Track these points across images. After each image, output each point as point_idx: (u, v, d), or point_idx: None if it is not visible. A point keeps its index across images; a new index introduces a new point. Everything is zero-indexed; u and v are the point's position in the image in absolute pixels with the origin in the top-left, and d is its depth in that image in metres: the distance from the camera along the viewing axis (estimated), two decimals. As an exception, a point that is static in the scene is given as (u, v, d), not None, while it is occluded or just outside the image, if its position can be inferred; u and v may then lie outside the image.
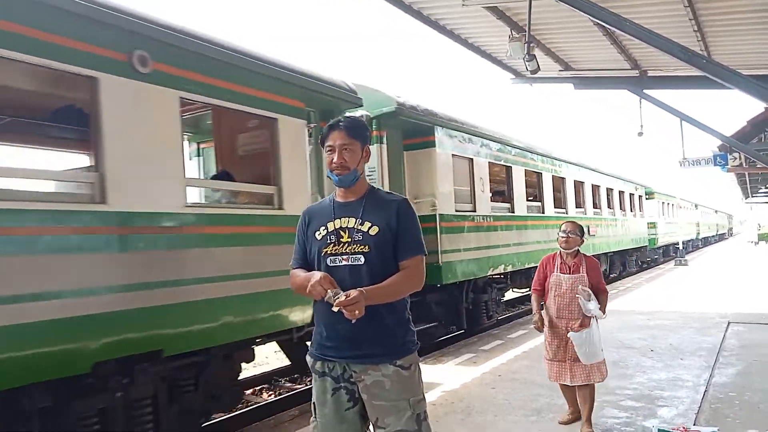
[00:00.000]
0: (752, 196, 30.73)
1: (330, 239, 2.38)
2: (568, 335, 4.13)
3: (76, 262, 3.45)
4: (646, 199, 21.56)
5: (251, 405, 6.24)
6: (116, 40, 3.77)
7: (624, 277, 17.95)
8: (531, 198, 11.09)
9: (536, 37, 7.41)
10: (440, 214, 7.92)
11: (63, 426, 3.60)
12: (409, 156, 8.04)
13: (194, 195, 5.23)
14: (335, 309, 2.16)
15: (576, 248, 4.33)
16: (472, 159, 8.97)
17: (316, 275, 2.26)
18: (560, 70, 9.04)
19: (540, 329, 4.36)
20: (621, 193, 17.77)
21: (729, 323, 8.59)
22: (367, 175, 4.51)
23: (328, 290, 2.19)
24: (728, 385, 5.39)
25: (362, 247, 2.33)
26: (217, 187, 5.32)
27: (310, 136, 5.27)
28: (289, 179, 5.01)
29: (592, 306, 4.07)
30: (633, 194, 19.37)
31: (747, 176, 17.84)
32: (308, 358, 2.47)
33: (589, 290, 4.15)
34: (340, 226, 2.38)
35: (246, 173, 5.34)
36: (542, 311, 4.38)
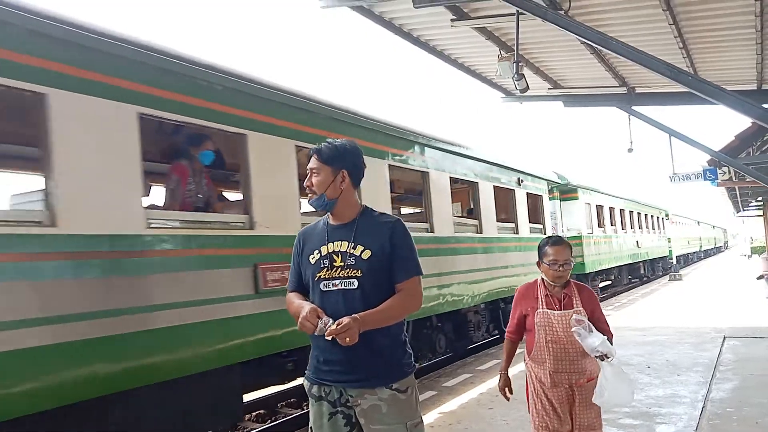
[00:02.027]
0: (743, 210, 30.91)
1: (323, 263, 2.36)
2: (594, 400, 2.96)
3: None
4: (665, 218, 27.05)
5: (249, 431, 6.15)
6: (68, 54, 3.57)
7: (633, 287, 19.69)
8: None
9: (525, 57, 7.50)
10: (583, 236, 14.64)
11: None
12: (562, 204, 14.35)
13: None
14: (328, 338, 2.15)
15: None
16: (605, 206, 17.06)
17: (305, 309, 2.25)
18: (549, 89, 9.14)
19: (506, 396, 3.34)
20: (652, 216, 24.32)
21: (725, 338, 8.58)
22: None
23: (318, 323, 2.18)
24: (726, 401, 5.37)
25: (355, 271, 2.31)
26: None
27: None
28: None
29: (597, 340, 2.84)
30: (658, 216, 25.46)
31: (737, 190, 17.97)
32: (305, 382, 2.44)
33: (585, 319, 2.98)
34: (333, 250, 2.36)
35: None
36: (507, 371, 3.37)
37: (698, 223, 43.86)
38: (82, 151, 3.60)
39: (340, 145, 2.46)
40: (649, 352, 7.82)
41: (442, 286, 7.28)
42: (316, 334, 2.18)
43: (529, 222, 10.20)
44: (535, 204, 10.86)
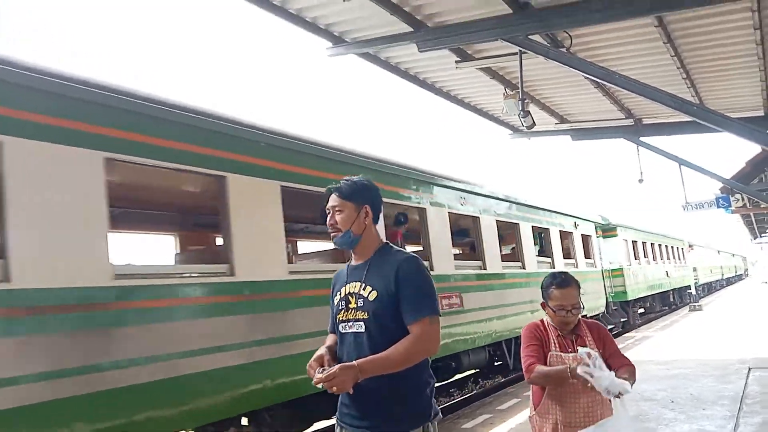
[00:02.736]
0: (761, 236, 30.51)
1: (341, 305, 2.36)
2: None
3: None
4: (689, 248, 28.68)
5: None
6: None
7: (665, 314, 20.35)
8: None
9: (530, 94, 7.60)
10: (624, 268, 16.42)
11: None
12: (604, 241, 15.46)
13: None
14: (318, 386, 2.10)
15: None
16: (638, 241, 18.65)
17: (315, 355, 2.28)
18: (556, 123, 9.23)
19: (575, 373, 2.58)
20: (676, 248, 25.60)
21: (749, 369, 8.36)
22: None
23: (318, 370, 2.15)
24: (755, 436, 5.20)
25: (363, 314, 2.27)
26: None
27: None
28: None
29: (606, 377, 2.43)
30: (681, 248, 26.78)
31: (753, 216, 17.80)
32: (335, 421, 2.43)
33: (593, 351, 2.58)
34: (349, 291, 2.34)
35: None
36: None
37: (719, 252, 45.26)
38: None
39: (359, 181, 2.42)
40: (672, 386, 7.63)
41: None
42: (314, 383, 2.13)
43: (585, 258, 12.93)
44: (587, 242, 13.56)
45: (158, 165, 4.30)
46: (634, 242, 18.37)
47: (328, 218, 2.38)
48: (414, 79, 7.16)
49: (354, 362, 2.12)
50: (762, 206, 12.17)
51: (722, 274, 46.83)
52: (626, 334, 15.91)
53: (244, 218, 4.72)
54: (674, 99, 5.26)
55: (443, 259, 7.53)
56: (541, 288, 2.91)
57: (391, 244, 2.44)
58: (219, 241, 6.23)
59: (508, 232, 9.87)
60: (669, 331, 15.26)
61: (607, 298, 14.60)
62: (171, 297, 4.13)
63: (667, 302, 23.35)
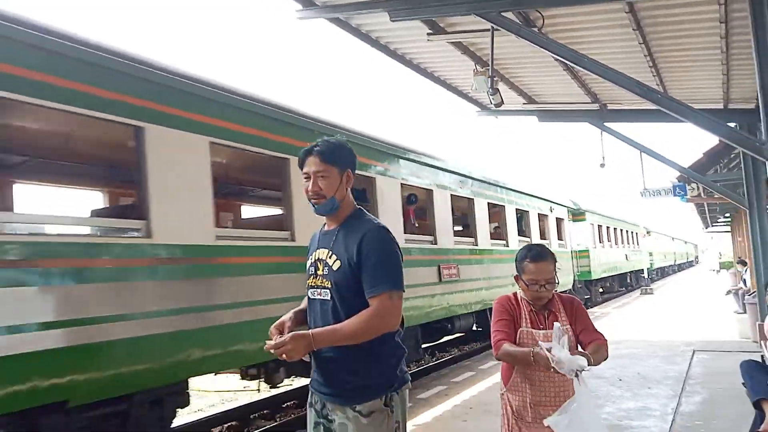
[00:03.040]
0: (712, 226, 31.63)
1: (311, 270, 2.32)
2: (545, 422, 2.46)
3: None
4: (647, 234, 31.02)
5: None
6: None
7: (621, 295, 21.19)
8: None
9: (500, 72, 7.59)
10: (590, 249, 17.98)
11: None
12: (574, 225, 16.73)
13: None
14: (265, 349, 2.12)
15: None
16: (603, 226, 20.31)
17: (279, 319, 2.27)
18: (524, 103, 9.27)
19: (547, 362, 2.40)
20: (634, 233, 27.28)
21: (694, 351, 8.72)
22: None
23: (276, 336, 2.16)
24: (695, 414, 5.44)
25: (328, 282, 2.23)
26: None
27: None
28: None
29: (563, 356, 2.34)
30: (638, 232, 28.45)
31: (706, 206, 18.39)
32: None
33: (566, 333, 2.55)
34: (318, 258, 2.30)
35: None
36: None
37: (672, 239, 48.43)
38: None
39: (340, 142, 2.31)
40: (621, 365, 7.90)
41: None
42: (264, 348, 2.14)
43: (557, 239, 14.47)
44: (560, 225, 15.03)
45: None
46: (599, 226, 20.06)
47: (309, 184, 2.24)
48: (384, 48, 7.06)
49: (309, 332, 2.11)
50: (715, 196, 12.56)
51: (675, 260, 49.76)
52: (588, 311, 16.79)
53: (165, 174, 4.43)
54: (640, 86, 5.33)
55: (445, 235, 8.62)
56: (515, 260, 2.78)
57: (363, 210, 2.34)
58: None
59: (494, 212, 10.98)
60: (621, 313, 15.77)
61: (574, 277, 16.10)
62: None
63: (625, 283, 25.13)
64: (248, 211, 9.34)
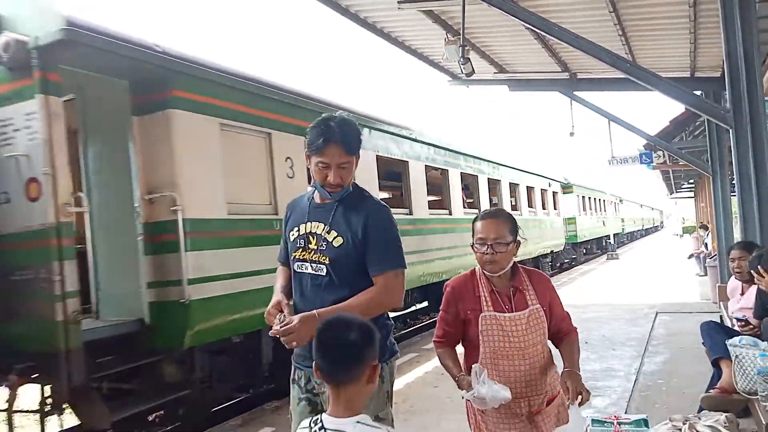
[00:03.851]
0: (676, 192, 32.42)
1: (299, 243, 2.27)
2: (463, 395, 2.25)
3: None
4: (620, 202, 34.66)
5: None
6: None
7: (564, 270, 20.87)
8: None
9: (471, 41, 7.56)
10: (577, 217, 20.91)
11: None
12: (564, 196, 19.96)
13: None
14: (271, 334, 2.06)
15: (510, 264, 2.37)
16: (586, 197, 23.71)
17: (273, 300, 2.21)
18: (495, 73, 9.26)
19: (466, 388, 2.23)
20: (611, 202, 31.23)
21: (657, 313, 9.04)
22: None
23: (277, 318, 2.09)
24: (656, 373, 5.68)
25: (324, 258, 2.21)
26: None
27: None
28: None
29: (485, 390, 2.12)
30: (615, 201, 32.26)
31: (671, 173, 18.80)
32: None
33: (483, 372, 2.16)
34: (310, 231, 2.25)
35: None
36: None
37: (641, 206, 52.58)
38: None
39: (355, 127, 2.24)
40: (587, 328, 8.16)
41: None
42: (273, 329, 2.08)
43: (553, 209, 17.82)
44: (555, 198, 18.26)
45: None
46: (583, 197, 23.32)
47: (330, 175, 2.16)
48: (354, 17, 6.95)
49: (315, 312, 2.04)
50: (680, 163, 12.85)
51: (643, 225, 54.27)
52: (570, 269, 20.23)
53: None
54: (609, 54, 5.37)
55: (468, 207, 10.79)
56: (472, 222, 2.44)
57: (360, 187, 2.32)
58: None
59: (512, 189, 13.84)
60: (587, 278, 16.20)
61: (565, 239, 19.48)
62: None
63: (602, 246, 28.37)
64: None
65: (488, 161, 12.12)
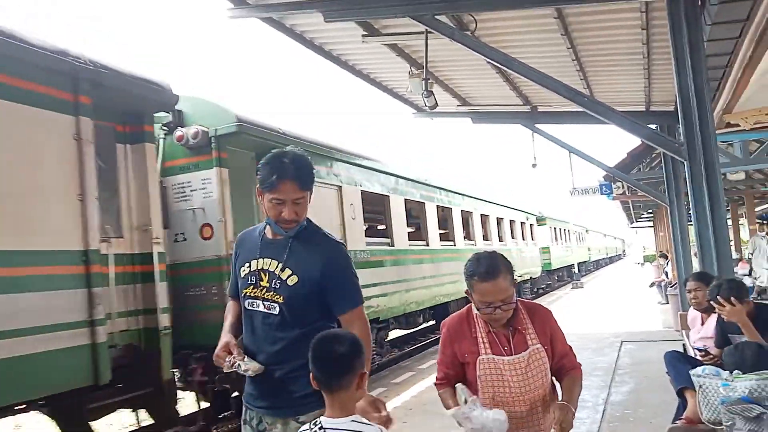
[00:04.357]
0: (636, 221, 33.30)
1: (250, 280, 2.21)
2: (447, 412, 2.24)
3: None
4: (586, 232, 38.83)
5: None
6: None
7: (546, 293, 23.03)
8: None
9: (434, 74, 7.68)
10: (550, 246, 24.19)
11: None
12: (539, 228, 23.09)
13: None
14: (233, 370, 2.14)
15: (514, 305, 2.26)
16: (557, 228, 27.19)
17: (220, 341, 2.17)
18: (458, 105, 9.41)
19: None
20: (578, 232, 34.79)
21: (622, 342, 9.13)
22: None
23: (227, 360, 2.10)
24: (623, 403, 5.68)
25: (278, 296, 2.14)
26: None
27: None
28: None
29: (476, 414, 2.08)
30: (581, 232, 36.00)
31: (630, 203, 19.30)
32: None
33: (475, 399, 2.15)
34: (261, 267, 2.19)
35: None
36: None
37: (605, 235, 56.35)
38: None
39: (306, 161, 2.20)
40: (554, 358, 8.17)
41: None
42: (225, 370, 2.11)
43: (531, 239, 20.77)
44: (532, 229, 21.16)
45: None
46: (555, 228, 26.08)
47: (284, 210, 2.13)
48: (319, 49, 6.99)
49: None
50: (639, 194, 13.19)
51: (607, 254, 58.69)
52: (546, 294, 22.15)
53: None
54: (567, 89, 5.50)
55: (468, 239, 13.53)
56: (464, 272, 2.27)
57: (312, 222, 2.28)
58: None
59: (499, 223, 16.40)
60: (553, 307, 16.33)
61: (541, 266, 22.09)
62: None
63: (571, 273, 30.93)
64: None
65: (481, 200, 14.69)
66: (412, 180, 10.44)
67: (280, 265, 2.15)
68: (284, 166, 2.13)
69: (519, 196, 21.53)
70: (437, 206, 11.57)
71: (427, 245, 10.73)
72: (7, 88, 3.89)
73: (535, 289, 21.57)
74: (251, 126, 6.25)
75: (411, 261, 9.90)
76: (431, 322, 12.01)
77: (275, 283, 2.15)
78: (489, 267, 2.20)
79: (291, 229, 2.19)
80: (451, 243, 12.13)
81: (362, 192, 8.64)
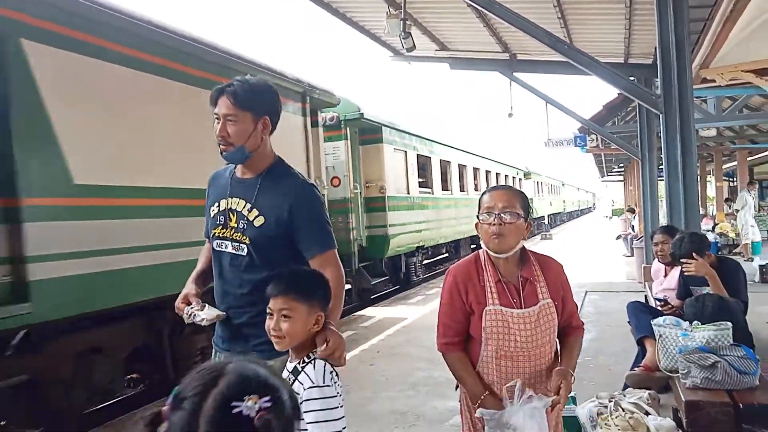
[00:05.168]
0: (607, 175, 33.78)
1: (219, 220, 2.12)
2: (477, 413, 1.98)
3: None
4: (562, 186, 42.87)
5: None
6: None
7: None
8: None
9: (413, 16, 7.45)
10: (532, 198, 20.95)
11: None
12: (525, 181, 25.81)
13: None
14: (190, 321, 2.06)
15: (520, 245, 2.09)
16: (540, 182, 29.88)
17: (182, 292, 2.12)
18: (436, 50, 9.21)
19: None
20: (555, 185, 38.76)
21: (586, 292, 9.35)
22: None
23: (185, 311, 2.05)
24: (585, 351, 5.81)
25: (244, 237, 2.06)
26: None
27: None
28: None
29: (520, 422, 1.86)
30: (557, 185, 39.96)
31: (603, 156, 19.49)
32: None
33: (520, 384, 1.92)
34: (230, 207, 2.09)
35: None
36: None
37: (578, 189, 61.18)
38: None
39: (259, 84, 2.07)
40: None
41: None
42: (186, 322, 2.05)
43: None
44: (520, 183, 23.64)
45: None
46: (538, 182, 30.06)
47: (218, 127, 2.02)
48: (294, -14, 6.69)
49: (333, 327, 1.83)
50: (612, 147, 13.28)
51: (579, 206, 62.27)
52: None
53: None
54: (549, 36, 5.38)
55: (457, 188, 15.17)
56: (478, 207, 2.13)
57: (284, 161, 2.16)
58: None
59: (490, 175, 18.53)
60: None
61: None
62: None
63: (541, 224, 32.12)
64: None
65: (484, 158, 17.63)
66: (443, 144, 13.70)
67: (248, 205, 2.06)
68: (231, 83, 2.04)
69: (506, 152, 24.55)
70: (458, 164, 14.81)
71: (451, 194, 14.10)
72: (285, 106, 5.94)
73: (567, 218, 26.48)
74: (363, 114, 9.25)
75: (443, 206, 13.22)
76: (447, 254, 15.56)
77: (242, 224, 2.06)
78: (502, 185, 2.22)
79: (227, 154, 2.06)
80: (465, 193, 15.27)
81: (417, 155, 11.81)
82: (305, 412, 1.64)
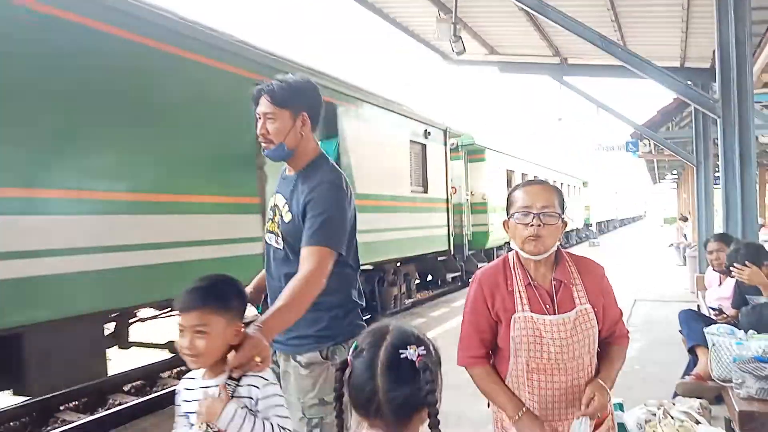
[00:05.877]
0: (660, 182, 32.77)
1: (269, 214, 2.20)
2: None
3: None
4: (615, 193, 43.38)
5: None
6: None
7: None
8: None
9: (463, 20, 7.47)
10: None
11: None
12: (584, 189, 28.15)
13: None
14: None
15: (555, 246, 1.86)
16: (598, 191, 33.50)
17: None
18: (486, 54, 9.18)
19: None
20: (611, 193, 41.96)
21: (635, 301, 9.14)
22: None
23: None
24: (633, 360, 5.72)
25: (279, 231, 2.13)
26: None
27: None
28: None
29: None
30: (610, 192, 41.92)
31: (656, 162, 18.95)
32: None
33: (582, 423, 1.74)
34: (275, 203, 2.17)
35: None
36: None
37: (628, 196, 61.39)
38: None
39: (295, 82, 2.07)
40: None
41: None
42: None
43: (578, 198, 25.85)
44: (579, 191, 25.86)
45: None
46: (595, 190, 31.66)
47: (259, 126, 2.06)
48: (346, -9, 6.81)
49: (256, 332, 1.62)
50: (666, 153, 12.92)
51: (629, 214, 62.53)
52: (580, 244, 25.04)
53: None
54: (603, 39, 5.31)
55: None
56: (506, 203, 1.93)
57: (327, 156, 2.17)
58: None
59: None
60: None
61: (584, 221, 27.49)
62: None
63: (589, 230, 32.87)
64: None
65: (551, 169, 20.06)
66: (522, 159, 16.51)
67: (285, 201, 2.12)
68: (270, 83, 2.06)
69: (570, 163, 26.97)
70: (533, 176, 16.33)
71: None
72: (435, 138, 10.24)
73: (577, 239, 26.11)
74: (474, 141, 12.72)
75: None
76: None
77: (279, 219, 2.14)
78: (537, 180, 1.99)
79: (268, 150, 2.09)
80: None
81: (506, 169, 15.00)
82: (275, 406, 1.56)
